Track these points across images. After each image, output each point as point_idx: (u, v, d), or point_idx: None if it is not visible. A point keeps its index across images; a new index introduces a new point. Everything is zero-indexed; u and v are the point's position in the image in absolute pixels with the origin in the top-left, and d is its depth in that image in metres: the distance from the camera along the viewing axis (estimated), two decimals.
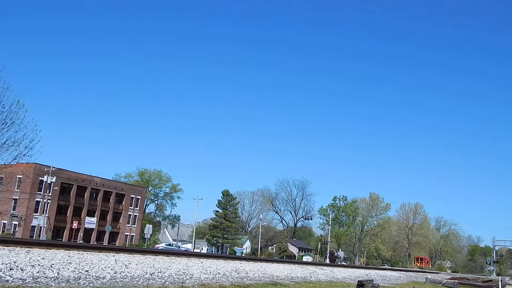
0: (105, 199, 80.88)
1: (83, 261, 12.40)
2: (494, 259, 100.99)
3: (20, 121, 30.19)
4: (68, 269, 11.21)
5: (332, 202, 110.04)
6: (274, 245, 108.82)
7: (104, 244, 71.24)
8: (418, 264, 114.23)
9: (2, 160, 31.19)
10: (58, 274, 10.60)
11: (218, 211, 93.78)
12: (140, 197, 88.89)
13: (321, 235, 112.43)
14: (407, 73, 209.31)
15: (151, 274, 12.99)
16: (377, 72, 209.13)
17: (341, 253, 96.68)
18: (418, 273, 52.61)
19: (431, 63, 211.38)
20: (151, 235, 75.31)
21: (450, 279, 47.73)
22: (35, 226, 67.03)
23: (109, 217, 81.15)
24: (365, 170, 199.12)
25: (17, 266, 10.34)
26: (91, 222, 76.60)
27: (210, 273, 15.57)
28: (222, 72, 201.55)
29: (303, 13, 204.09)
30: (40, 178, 66.76)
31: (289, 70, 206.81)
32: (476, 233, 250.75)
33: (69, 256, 12.58)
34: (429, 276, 46.16)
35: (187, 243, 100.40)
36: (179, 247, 63.17)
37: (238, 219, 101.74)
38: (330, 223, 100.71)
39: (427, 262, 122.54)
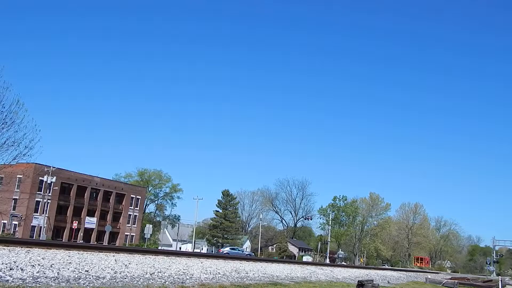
0: (105, 199, 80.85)
1: (83, 261, 12.40)
2: (494, 259, 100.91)
3: (20, 121, 30.00)
4: (68, 269, 11.21)
5: (332, 202, 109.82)
6: (274, 245, 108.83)
7: (104, 244, 71.20)
8: (418, 264, 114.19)
9: (2, 160, 31.07)
10: (58, 274, 10.61)
11: (218, 211, 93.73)
12: (140, 197, 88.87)
13: (321, 235, 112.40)
14: (407, 73, 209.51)
15: (151, 274, 12.99)
16: (377, 72, 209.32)
17: (341, 253, 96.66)
18: (418, 273, 52.57)
19: (431, 63, 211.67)
20: (151, 235, 75.29)
21: (450, 279, 47.74)
22: (35, 226, 67.01)
23: (109, 217, 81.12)
24: (365, 170, 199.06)
25: (17, 266, 10.34)
26: (91, 222, 76.59)
27: (210, 273, 15.57)
28: (222, 72, 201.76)
29: (303, 13, 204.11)
30: (40, 178, 66.75)
31: (289, 70, 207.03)
32: (476, 233, 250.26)
33: (69, 256, 12.58)
34: (429, 276, 46.15)
35: (187, 243, 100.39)
36: (242, 251, 62.56)
37: (238, 219, 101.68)
38: (330, 223, 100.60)
39: (427, 262, 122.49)
